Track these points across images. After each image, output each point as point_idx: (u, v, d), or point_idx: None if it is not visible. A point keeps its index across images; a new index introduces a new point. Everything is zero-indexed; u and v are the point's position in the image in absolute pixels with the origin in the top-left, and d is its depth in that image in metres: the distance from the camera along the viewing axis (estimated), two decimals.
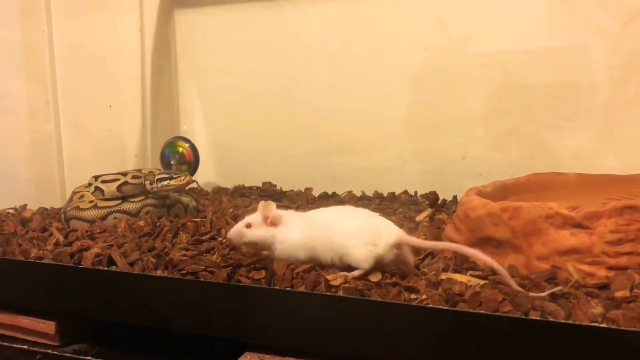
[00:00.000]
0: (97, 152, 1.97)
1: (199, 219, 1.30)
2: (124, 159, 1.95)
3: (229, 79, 1.91)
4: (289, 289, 0.86)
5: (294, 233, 0.96)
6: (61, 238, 1.21)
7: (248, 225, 0.99)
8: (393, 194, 1.64)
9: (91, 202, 1.33)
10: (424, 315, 0.77)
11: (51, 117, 1.94)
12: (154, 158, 1.95)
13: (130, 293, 0.96)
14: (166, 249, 1.08)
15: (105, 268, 0.99)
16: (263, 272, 0.90)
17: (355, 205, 1.07)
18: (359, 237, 0.89)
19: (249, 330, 0.88)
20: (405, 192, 1.64)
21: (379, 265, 0.89)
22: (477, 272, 0.89)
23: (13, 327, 1.09)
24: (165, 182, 1.29)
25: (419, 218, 1.39)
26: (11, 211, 1.48)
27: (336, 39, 1.75)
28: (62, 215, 1.35)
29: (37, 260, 1.04)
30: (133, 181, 1.33)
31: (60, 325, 1.05)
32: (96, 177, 1.35)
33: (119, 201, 1.32)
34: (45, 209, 1.53)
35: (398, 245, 0.89)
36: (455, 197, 1.56)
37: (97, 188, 1.33)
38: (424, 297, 0.80)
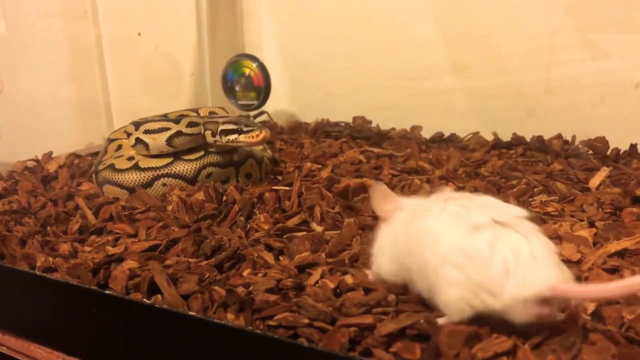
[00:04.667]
0: (145, 72, 1.57)
1: (280, 188, 0.90)
2: (177, 79, 1.56)
3: None
4: None
5: (387, 236, 0.61)
6: (91, 217, 0.85)
7: None
8: (540, 139, 1.17)
9: (131, 158, 0.95)
10: None
11: (90, 28, 1.53)
12: (212, 77, 1.55)
13: (182, 345, 0.59)
14: (238, 251, 0.71)
15: (145, 301, 0.61)
16: (417, 347, 0.50)
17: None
18: (465, 268, 0.49)
19: None
20: (559, 136, 1.18)
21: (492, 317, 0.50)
22: None
23: (25, 355, 0.76)
24: (233, 137, 0.88)
25: (593, 183, 0.96)
26: (31, 164, 1.11)
27: None
28: (94, 176, 0.98)
29: (44, 274, 0.68)
30: (188, 130, 0.93)
31: None
32: (137, 125, 0.94)
33: (170, 159, 0.93)
34: (78, 157, 1.16)
35: (544, 300, 0.48)
36: (634, 145, 1.09)
37: (138, 140, 0.94)
38: None
